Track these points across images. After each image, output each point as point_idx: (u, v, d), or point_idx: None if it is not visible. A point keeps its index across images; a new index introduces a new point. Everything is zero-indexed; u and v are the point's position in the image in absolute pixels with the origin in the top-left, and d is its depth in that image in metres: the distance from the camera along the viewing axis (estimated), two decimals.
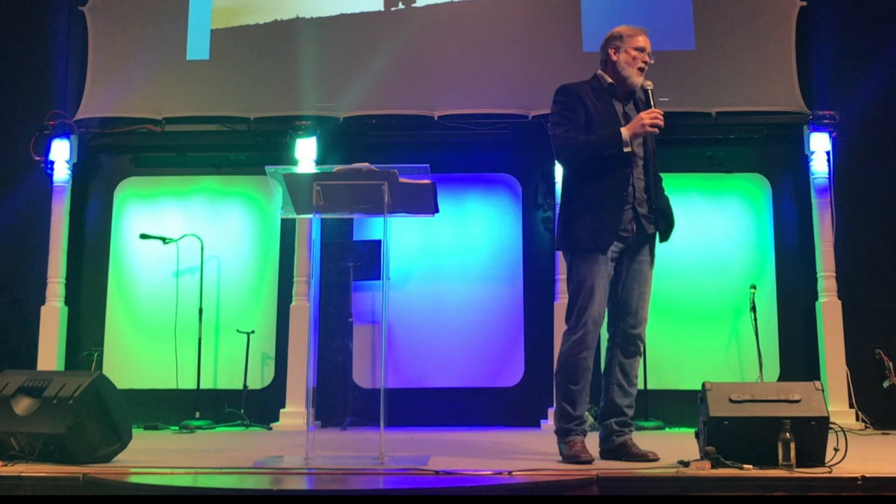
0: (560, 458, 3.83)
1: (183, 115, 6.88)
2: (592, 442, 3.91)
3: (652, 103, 3.89)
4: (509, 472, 3.26)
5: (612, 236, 3.86)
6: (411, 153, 6.66)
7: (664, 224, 4.00)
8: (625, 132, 3.84)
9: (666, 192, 4.07)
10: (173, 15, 7.03)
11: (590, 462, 3.70)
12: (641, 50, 3.98)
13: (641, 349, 4.00)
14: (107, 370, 6.49)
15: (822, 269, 6.42)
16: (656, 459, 3.72)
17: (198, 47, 7.00)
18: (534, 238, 6.86)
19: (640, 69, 3.98)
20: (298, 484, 3.32)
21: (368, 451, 4.01)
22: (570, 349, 3.86)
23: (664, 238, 4.04)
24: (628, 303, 3.95)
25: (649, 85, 3.93)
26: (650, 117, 3.82)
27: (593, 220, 3.87)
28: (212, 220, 6.97)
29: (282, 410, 6.40)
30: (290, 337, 6.48)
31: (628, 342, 3.95)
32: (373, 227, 6.83)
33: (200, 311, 6.58)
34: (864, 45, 6.74)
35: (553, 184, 6.68)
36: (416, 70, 6.88)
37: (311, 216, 3.81)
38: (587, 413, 3.93)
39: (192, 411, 6.34)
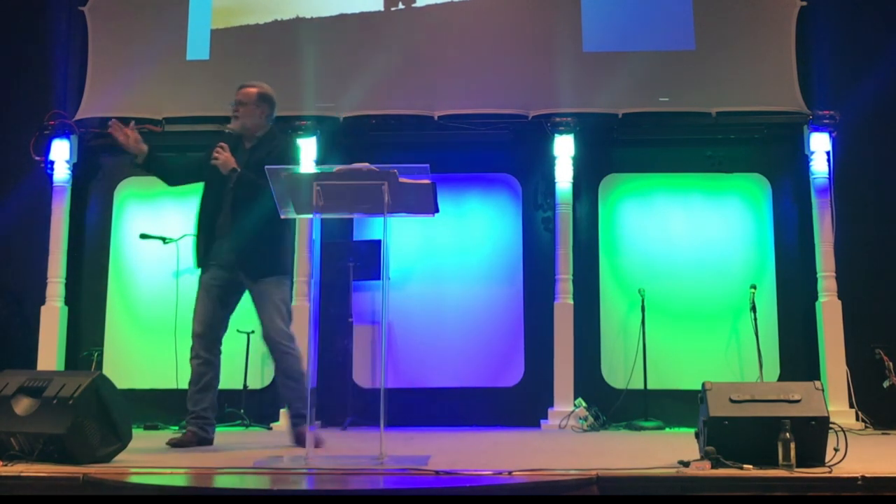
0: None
1: (183, 115, 6.88)
2: (592, 441, 3.90)
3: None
4: (509, 472, 3.26)
5: (202, 260, 4.62)
6: (411, 153, 6.66)
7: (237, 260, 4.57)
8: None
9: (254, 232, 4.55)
10: (173, 15, 7.03)
11: None
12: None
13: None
14: (107, 370, 6.47)
15: (822, 269, 6.42)
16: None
17: (198, 47, 7.00)
18: (534, 238, 6.86)
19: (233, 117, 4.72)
20: (298, 484, 3.32)
21: (368, 451, 4.00)
22: None
23: (248, 277, 4.66)
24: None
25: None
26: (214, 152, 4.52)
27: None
28: None
29: (282, 410, 6.38)
30: None
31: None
32: (373, 227, 6.82)
33: None
34: (864, 45, 6.74)
35: (553, 184, 6.68)
36: (416, 70, 6.88)
37: (311, 216, 3.81)
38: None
39: None
